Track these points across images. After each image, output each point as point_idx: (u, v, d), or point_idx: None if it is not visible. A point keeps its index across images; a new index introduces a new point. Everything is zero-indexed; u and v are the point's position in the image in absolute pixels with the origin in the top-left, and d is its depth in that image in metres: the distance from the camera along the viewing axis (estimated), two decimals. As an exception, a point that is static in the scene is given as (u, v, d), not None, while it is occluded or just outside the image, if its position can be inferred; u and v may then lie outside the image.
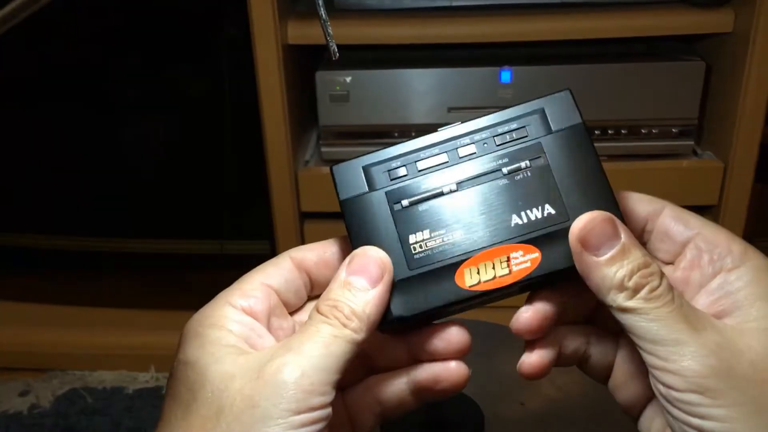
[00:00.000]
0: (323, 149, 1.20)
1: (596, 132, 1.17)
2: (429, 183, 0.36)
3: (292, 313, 0.37)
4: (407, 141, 0.37)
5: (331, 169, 0.37)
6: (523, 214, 0.35)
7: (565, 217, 0.35)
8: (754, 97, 1.09)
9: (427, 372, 0.36)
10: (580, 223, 0.33)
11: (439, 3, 1.15)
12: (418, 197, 0.36)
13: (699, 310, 0.33)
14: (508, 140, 0.36)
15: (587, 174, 0.35)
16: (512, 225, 0.35)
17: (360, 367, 0.38)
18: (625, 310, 0.32)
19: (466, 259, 0.34)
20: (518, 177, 0.35)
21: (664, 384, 0.31)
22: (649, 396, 0.36)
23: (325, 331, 0.32)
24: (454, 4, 1.15)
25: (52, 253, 1.41)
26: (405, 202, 0.36)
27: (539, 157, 0.36)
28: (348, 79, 1.15)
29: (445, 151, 0.37)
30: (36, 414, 1.29)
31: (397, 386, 0.37)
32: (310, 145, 1.28)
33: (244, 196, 1.27)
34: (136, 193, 1.36)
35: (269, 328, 0.35)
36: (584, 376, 0.38)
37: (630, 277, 0.32)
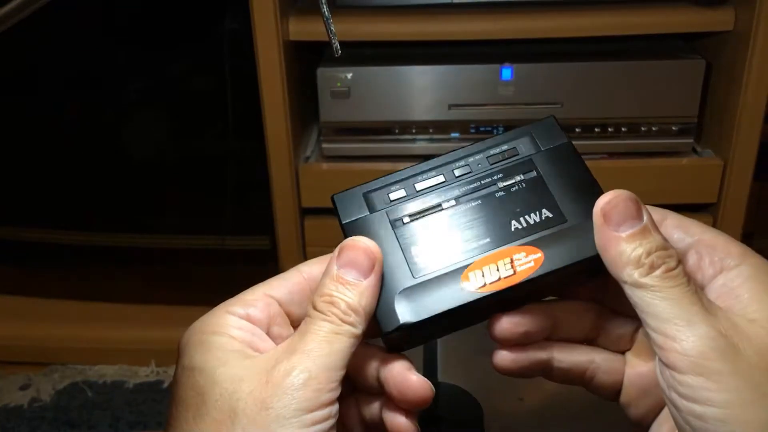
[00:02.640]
0: (324, 145, 1.20)
1: (596, 129, 1.17)
2: (428, 200, 0.37)
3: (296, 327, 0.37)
4: (403, 169, 0.38)
5: (332, 198, 0.38)
6: (521, 219, 0.36)
7: (563, 219, 0.36)
8: (754, 95, 1.09)
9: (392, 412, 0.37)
10: (606, 198, 0.34)
11: (440, 0, 1.15)
12: (418, 213, 0.37)
13: (711, 300, 0.33)
14: (501, 159, 0.38)
15: (579, 182, 0.37)
16: (512, 230, 0.36)
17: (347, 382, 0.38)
18: (639, 285, 0.32)
19: (470, 264, 0.35)
20: (513, 189, 0.37)
21: (668, 365, 0.31)
22: (662, 406, 0.36)
23: (326, 329, 0.33)
24: (455, 1, 1.15)
25: (54, 248, 1.41)
26: (406, 219, 0.37)
27: (531, 171, 0.37)
28: (349, 76, 1.15)
29: (442, 173, 0.38)
30: (36, 408, 1.29)
31: (374, 409, 0.38)
32: (311, 141, 1.29)
33: (245, 191, 1.27)
34: (136, 188, 1.36)
35: (269, 335, 0.35)
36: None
37: (647, 255, 0.32)
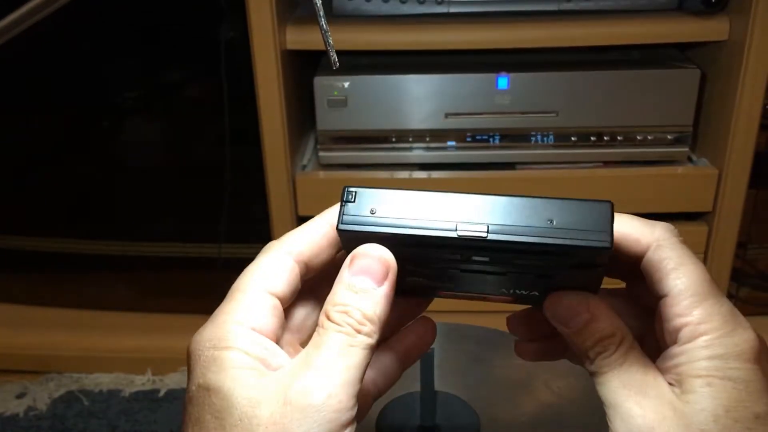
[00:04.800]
0: (321, 154, 1.21)
1: (592, 138, 1.17)
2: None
3: (287, 309, 0.36)
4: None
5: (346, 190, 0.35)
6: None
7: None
8: (749, 104, 1.10)
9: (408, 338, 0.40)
10: (549, 300, 0.35)
11: (437, 9, 1.15)
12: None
13: (649, 375, 0.33)
14: (523, 271, 0.34)
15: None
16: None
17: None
18: (592, 374, 0.34)
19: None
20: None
21: None
22: None
23: (341, 341, 0.32)
24: (452, 10, 1.16)
25: (49, 256, 1.41)
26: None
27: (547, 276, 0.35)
28: (346, 85, 1.15)
29: (459, 255, 0.34)
30: (32, 416, 1.29)
31: (386, 359, 0.39)
32: (308, 150, 1.29)
33: (242, 199, 1.27)
34: (133, 196, 1.36)
35: (280, 344, 0.35)
36: (579, 380, 0.39)
37: (593, 347, 0.34)
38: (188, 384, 0.34)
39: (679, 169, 1.19)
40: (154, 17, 1.23)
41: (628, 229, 0.34)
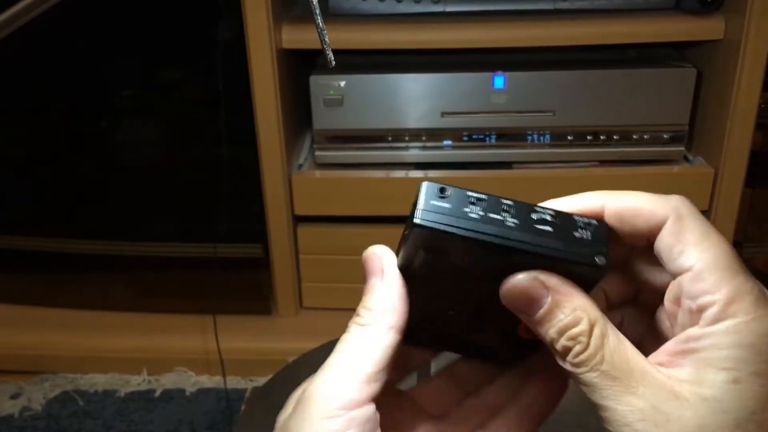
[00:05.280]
0: (317, 153, 1.20)
1: (588, 137, 1.17)
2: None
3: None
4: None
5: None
6: None
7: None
8: (745, 104, 1.10)
9: None
10: (505, 286, 0.31)
11: (433, 8, 1.15)
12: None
13: (637, 365, 0.28)
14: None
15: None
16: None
17: None
18: (569, 376, 0.30)
19: None
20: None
21: None
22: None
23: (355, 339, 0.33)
24: (448, 9, 1.16)
25: (45, 255, 1.40)
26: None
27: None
28: (342, 84, 1.15)
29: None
30: (27, 417, 1.28)
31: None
32: (304, 149, 1.29)
33: (238, 199, 1.27)
34: (128, 196, 1.36)
35: None
36: (572, 381, 0.39)
37: (558, 340, 0.29)
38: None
39: (675, 168, 1.19)
40: (150, 17, 1.23)
41: (640, 202, 0.31)
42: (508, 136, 1.18)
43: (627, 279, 0.35)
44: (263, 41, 1.08)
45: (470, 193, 0.31)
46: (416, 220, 0.30)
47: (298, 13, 1.20)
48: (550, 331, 0.29)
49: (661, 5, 1.15)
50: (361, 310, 0.33)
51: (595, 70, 1.16)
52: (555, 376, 0.35)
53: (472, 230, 0.30)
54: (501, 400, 0.37)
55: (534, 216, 0.30)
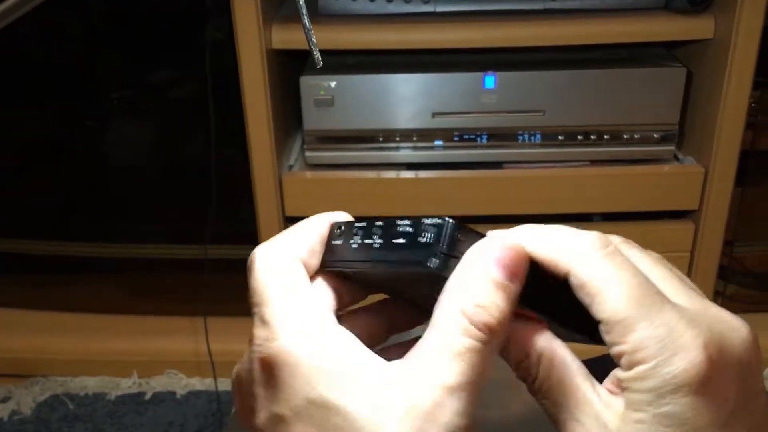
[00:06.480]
0: (307, 154, 1.20)
1: (579, 137, 1.17)
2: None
3: None
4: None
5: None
6: None
7: None
8: (735, 103, 1.10)
9: None
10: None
11: (423, 8, 1.15)
12: None
13: (581, 395, 0.30)
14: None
15: None
16: None
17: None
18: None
19: None
20: None
21: None
22: None
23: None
24: (438, 9, 1.15)
25: (34, 258, 1.40)
26: None
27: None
28: (332, 84, 1.15)
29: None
30: (17, 420, 1.28)
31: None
32: (295, 150, 1.28)
33: (228, 200, 1.27)
34: (119, 197, 1.35)
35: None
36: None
37: (515, 368, 0.32)
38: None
39: (666, 168, 1.19)
40: (140, 18, 1.22)
41: (546, 251, 0.30)
42: (499, 136, 1.18)
43: None
44: (253, 42, 1.08)
45: (357, 224, 0.32)
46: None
47: (287, 13, 1.20)
48: (507, 358, 0.31)
49: (651, 5, 1.15)
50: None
51: (586, 70, 1.16)
52: None
53: (350, 260, 0.32)
54: None
55: (392, 231, 0.31)
